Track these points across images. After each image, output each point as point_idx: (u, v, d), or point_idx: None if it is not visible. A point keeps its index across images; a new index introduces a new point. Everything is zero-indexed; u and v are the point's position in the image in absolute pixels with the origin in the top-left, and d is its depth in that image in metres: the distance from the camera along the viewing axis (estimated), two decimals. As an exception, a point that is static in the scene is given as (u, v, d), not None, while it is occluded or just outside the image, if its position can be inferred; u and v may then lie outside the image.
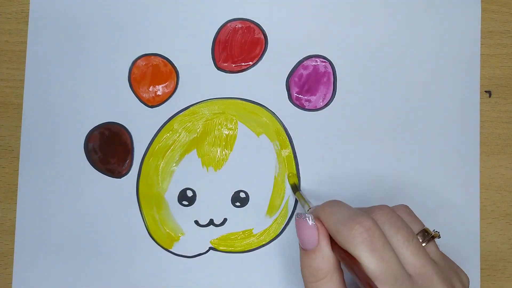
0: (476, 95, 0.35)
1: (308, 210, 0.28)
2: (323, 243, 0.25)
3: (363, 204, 0.34)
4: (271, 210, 0.34)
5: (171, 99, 0.35)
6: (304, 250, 0.25)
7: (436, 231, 0.27)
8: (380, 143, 0.35)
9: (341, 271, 0.25)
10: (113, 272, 0.34)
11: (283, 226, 0.34)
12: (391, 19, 0.35)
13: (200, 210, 0.34)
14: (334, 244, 0.25)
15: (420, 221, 0.27)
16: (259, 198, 0.34)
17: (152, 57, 0.35)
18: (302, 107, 0.35)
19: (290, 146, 0.35)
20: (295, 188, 0.34)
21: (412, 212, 0.27)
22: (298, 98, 0.35)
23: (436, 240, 0.27)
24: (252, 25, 0.35)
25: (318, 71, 0.35)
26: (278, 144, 0.35)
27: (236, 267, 0.34)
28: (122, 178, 0.34)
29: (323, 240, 0.25)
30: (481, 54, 0.35)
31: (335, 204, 0.26)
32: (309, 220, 0.25)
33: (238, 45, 0.35)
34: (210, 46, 0.35)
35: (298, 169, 0.34)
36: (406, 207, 0.27)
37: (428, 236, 0.26)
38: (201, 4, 0.35)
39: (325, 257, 0.24)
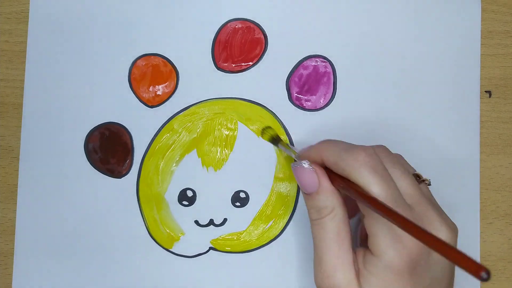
0: (476, 95, 0.35)
1: (296, 155, 0.29)
2: (324, 183, 0.26)
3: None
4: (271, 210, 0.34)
5: (171, 99, 0.35)
6: (307, 194, 0.26)
7: (428, 178, 0.28)
8: (380, 143, 0.35)
9: (344, 207, 0.26)
10: (113, 272, 0.34)
11: (283, 226, 0.34)
12: (391, 19, 0.35)
13: (200, 210, 0.34)
14: (334, 178, 0.26)
15: (412, 167, 0.29)
16: (259, 198, 0.34)
17: (152, 57, 0.35)
18: (302, 107, 0.35)
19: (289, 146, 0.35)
20: (276, 140, 0.33)
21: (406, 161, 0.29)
22: (298, 98, 0.35)
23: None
24: (252, 25, 0.35)
25: (318, 71, 0.35)
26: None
27: (236, 267, 0.34)
28: (122, 178, 0.34)
29: (323, 181, 0.26)
30: (481, 54, 0.35)
31: (331, 140, 0.27)
32: (306, 165, 0.26)
33: (238, 45, 0.35)
34: (210, 46, 0.35)
35: (298, 169, 0.34)
36: (401, 156, 0.29)
37: (420, 179, 0.28)
38: (201, 4, 0.35)
39: (328, 195, 0.26)
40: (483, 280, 0.17)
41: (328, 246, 0.25)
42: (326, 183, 0.26)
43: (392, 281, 0.24)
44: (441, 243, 0.19)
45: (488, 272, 0.17)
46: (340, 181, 0.26)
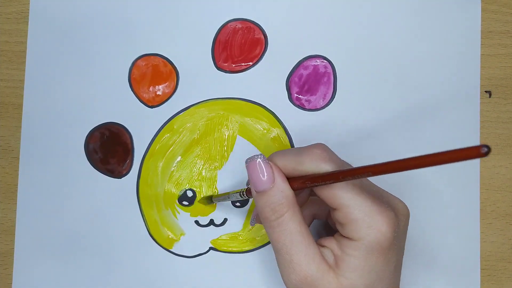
0: (476, 95, 0.35)
1: (243, 191, 0.29)
2: (279, 178, 0.25)
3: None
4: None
5: (171, 99, 0.35)
6: (260, 193, 0.25)
7: None
8: (380, 143, 0.35)
9: (298, 205, 0.26)
10: (113, 272, 0.34)
11: (283, 226, 0.34)
12: (391, 19, 0.35)
13: (200, 210, 0.34)
14: (292, 180, 0.26)
15: None
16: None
17: (152, 57, 0.35)
18: (302, 107, 0.35)
19: (290, 146, 0.35)
20: (209, 198, 0.33)
21: None
22: (298, 98, 0.35)
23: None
24: (252, 25, 0.35)
25: (318, 71, 0.35)
26: (278, 144, 0.35)
27: (236, 267, 0.34)
28: (122, 178, 0.34)
29: (278, 176, 0.25)
30: (481, 54, 0.35)
31: (278, 151, 0.27)
32: (261, 158, 0.26)
33: (238, 45, 0.35)
34: (210, 46, 0.35)
35: (298, 169, 0.34)
36: None
37: None
38: (201, 4, 0.35)
39: (284, 191, 0.25)
40: (485, 154, 0.17)
41: (296, 246, 0.25)
42: (281, 180, 0.25)
43: (377, 259, 0.24)
44: (434, 155, 0.19)
45: (487, 146, 0.17)
46: (302, 180, 0.25)
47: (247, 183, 0.30)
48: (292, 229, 0.25)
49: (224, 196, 0.31)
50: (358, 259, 0.24)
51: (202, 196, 0.34)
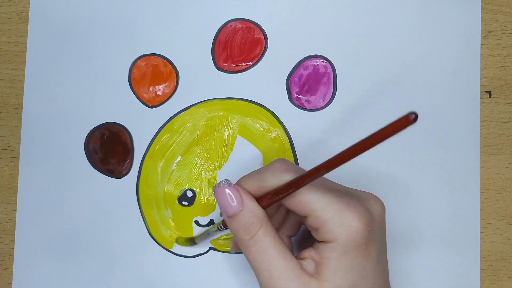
0: (476, 95, 0.35)
1: (220, 224, 0.29)
2: (247, 200, 0.26)
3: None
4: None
5: (171, 99, 0.35)
6: (231, 217, 0.26)
7: None
8: (379, 143, 0.35)
9: (270, 223, 0.26)
10: (113, 272, 0.34)
11: (283, 226, 0.34)
12: (391, 19, 0.35)
13: (200, 210, 0.34)
14: (259, 200, 0.26)
15: None
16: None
17: (152, 57, 0.35)
18: (302, 107, 0.35)
19: (290, 146, 0.35)
20: (191, 240, 0.34)
21: None
22: (298, 98, 0.35)
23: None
24: (252, 25, 0.35)
25: (318, 71, 0.35)
26: (278, 144, 0.35)
27: (236, 267, 0.34)
28: (122, 178, 0.34)
29: (246, 198, 0.26)
30: (481, 54, 0.35)
31: (243, 176, 0.28)
32: (227, 184, 0.26)
33: (238, 45, 0.35)
34: (210, 46, 0.35)
35: (298, 169, 0.34)
36: None
37: None
38: (201, 4, 0.35)
39: (253, 210, 0.26)
40: (414, 120, 0.18)
41: (274, 260, 0.25)
42: (250, 200, 0.26)
43: (355, 256, 0.24)
44: (376, 134, 0.21)
45: (414, 112, 0.18)
46: (269, 196, 0.26)
47: (221, 214, 0.30)
48: (267, 245, 0.25)
49: (204, 235, 0.32)
50: (337, 260, 0.24)
51: (183, 239, 0.34)
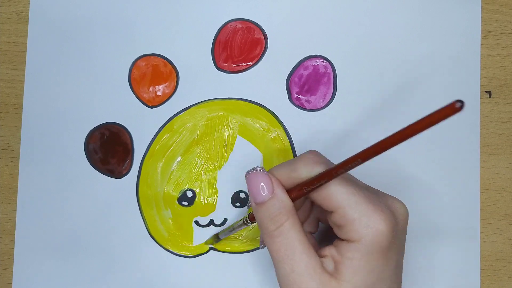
0: (476, 95, 0.35)
1: (246, 217, 0.29)
2: (278, 189, 0.26)
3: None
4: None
5: (171, 99, 0.35)
6: (259, 204, 0.26)
7: None
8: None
9: (297, 216, 0.26)
10: (113, 272, 0.34)
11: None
12: (391, 19, 0.35)
13: (200, 210, 0.34)
14: (289, 191, 0.26)
15: None
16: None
17: (152, 57, 0.35)
18: (302, 107, 0.35)
19: (290, 146, 0.35)
20: (216, 237, 0.33)
21: None
22: (298, 98, 0.35)
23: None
24: (252, 25, 0.35)
25: (318, 71, 0.35)
26: (278, 144, 0.35)
27: (236, 267, 0.34)
28: (122, 178, 0.34)
29: (277, 187, 0.26)
30: (481, 54, 0.35)
31: (275, 165, 0.28)
32: (260, 169, 0.26)
33: (238, 45, 0.35)
34: (210, 46, 0.35)
35: (298, 169, 0.34)
36: None
37: None
38: (201, 4, 0.35)
39: (283, 200, 0.25)
40: (460, 108, 0.18)
41: (297, 256, 0.25)
42: (280, 191, 0.26)
43: (377, 259, 0.24)
44: (418, 122, 0.20)
45: (460, 100, 0.18)
46: (299, 187, 0.26)
47: (248, 205, 0.30)
48: (292, 238, 0.25)
49: (228, 230, 0.31)
50: (358, 261, 0.24)
51: (209, 238, 0.34)
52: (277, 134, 0.35)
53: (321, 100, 0.35)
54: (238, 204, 0.34)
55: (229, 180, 0.34)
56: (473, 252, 0.34)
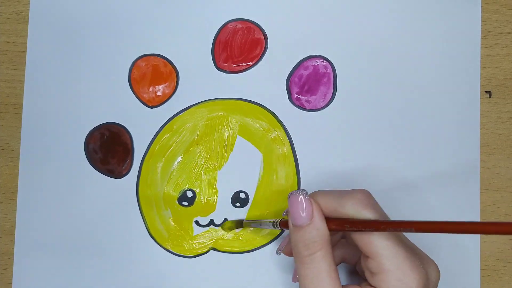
0: (476, 96, 0.35)
1: (277, 221, 0.29)
2: (317, 216, 0.26)
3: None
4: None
5: (171, 99, 0.35)
6: (297, 227, 0.26)
7: None
8: (380, 143, 0.35)
9: (330, 244, 0.26)
10: (113, 272, 0.34)
11: (283, 226, 0.34)
12: (391, 19, 0.35)
13: (200, 210, 0.34)
14: (330, 220, 0.26)
15: None
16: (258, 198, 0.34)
17: (152, 57, 0.35)
18: (302, 107, 0.35)
19: (290, 146, 0.35)
20: (239, 223, 0.33)
21: None
22: (298, 99, 0.35)
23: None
24: (252, 26, 0.35)
25: (318, 71, 0.35)
26: (278, 144, 0.35)
27: (236, 267, 0.34)
28: (122, 178, 0.34)
29: (317, 214, 0.26)
30: (481, 54, 0.35)
31: (323, 190, 0.27)
32: (305, 195, 0.26)
33: (238, 46, 0.35)
34: (210, 46, 0.35)
35: (298, 169, 0.34)
36: None
37: None
38: (201, 4, 0.35)
39: (319, 229, 0.25)
40: None
41: (323, 287, 0.25)
42: (319, 219, 0.26)
43: None
44: (470, 224, 0.19)
45: None
46: (341, 222, 0.25)
47: (284, 213, 0.30)
48: (322, 268, 0.25)
49: (256, 223, 0.31)
50: None
51: (230, 221, 0.34)
52: (277, 134, 0.35)
53: (321, 100, 0.35)
54: (238, 204, 0.34)
55: (229, 180, 0.34)
56: (473, 252, 0.34)
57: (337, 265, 0.30)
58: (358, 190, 0.26)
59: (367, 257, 0.25)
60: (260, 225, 0.31)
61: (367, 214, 0.25)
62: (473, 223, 0.19)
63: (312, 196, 0.27)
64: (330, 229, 0.26)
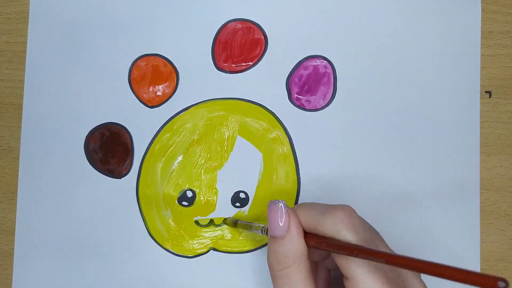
0: (476, 96, 0.35)
1: (265, 228, 0.28)
2: (293, 230, 0.25)
3: (363, 203, 0.34)
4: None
5: (171, 99, 0.35)
6: (273, 238, 0.25)
7: None
8: (380, 143, 0.35)
9: (307, 261, 0.25)
10: (113, 272, 0.34)
11: (283, 226, 0.34)
12: (391, 19, 0.35)
13: (200, 210, 0.34)
14: (309, 236, 0.25)
15: None
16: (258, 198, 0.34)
17: (152, 57, 0.35)
18: (302, 107, 0.35)
19: (290, 146, 0.35)
20: (235, 222, 0.33)
21: None
22: (298, 99, 0.35)
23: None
24: (252, 26, 0.35)
25: (318, 71, 0.35)
26: (278, 144, 0.35)
27: (236, 267, 0.34)
28: (122, 178, 0.34)
29: (293, 227, 0.25)
30: (481, 55, 0.35)
31: (306, 203, 0.26)
32: (281, 205, 0.25)
33: (238, 46, 0.35)
34: (210, 46, 0.35)
35: (298, 169, 0.34)
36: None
37: None
38: (201, 4, 0.35)
39: (293, 243, 0.25)
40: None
41: None
42: (295, 232, 0.25)
43: None
44: (450, 269, 0.19)
45: (504, 281, 0.17)
46: (320, 240, 0.24)
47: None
48: (294, 284, 0.24)
49: (246, 225, 0.31)
50: None
51: (228, 218, 0.34)
52: (277, 134, 0.35)
53: (321, 100, 0.35)
54: (238, 204, 0.34)
55: (229, 180, 0.34)
56: (473, 252, 0.34)
57: (335, 269, 0.29)
58: (340, 208, 0.25)
59: (345, 277, 0.25)
60: (251, 228, 0.31)
61: (346, 235, 0.24)
62: (448, 268, 0.19)
63: (295, 209, 0.26)
64: (309, 246, 0.25)
